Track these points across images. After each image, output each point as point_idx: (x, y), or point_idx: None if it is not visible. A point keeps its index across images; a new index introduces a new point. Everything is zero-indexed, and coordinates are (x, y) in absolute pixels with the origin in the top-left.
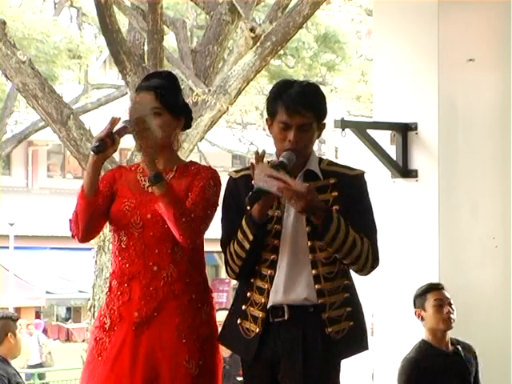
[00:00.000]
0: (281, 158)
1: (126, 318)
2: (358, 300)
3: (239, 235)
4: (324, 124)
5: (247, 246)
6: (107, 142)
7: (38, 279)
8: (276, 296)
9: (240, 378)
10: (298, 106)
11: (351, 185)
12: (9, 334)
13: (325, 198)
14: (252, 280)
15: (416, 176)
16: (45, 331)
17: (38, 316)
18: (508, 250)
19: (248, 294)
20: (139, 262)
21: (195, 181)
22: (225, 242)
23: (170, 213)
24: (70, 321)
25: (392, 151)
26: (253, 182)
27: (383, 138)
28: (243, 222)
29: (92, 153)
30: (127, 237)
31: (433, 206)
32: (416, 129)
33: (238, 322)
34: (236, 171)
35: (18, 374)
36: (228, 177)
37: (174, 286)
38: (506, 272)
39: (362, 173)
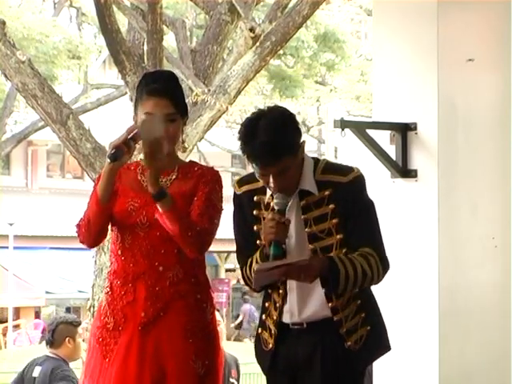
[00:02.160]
0: (276, 207)
1: (131, 318)
2: (372, 302)
3: (254, 266)
4: (303, 142)
5: None
6: (123, 149)
7: (38, 279)
8: (292, 318)
9: (232, 380)
10: (266, 162)
11: (347, 192)
12: (67, 339)
13: (322, 211)
14: (270, 291)
15: (415, 176)
16: (44, 331)
17: (37, 316)
18: (508, 250)
19: (266, 305)
20: (144, 262)
21: (200, 184)
22: (239, 255)
23: (176, 228)
24: None
25: (391, 151)
26: (253, 285)
27: (383, 137)
28: (257, 256)
29: (108, 160)
30: (132, 236)
31: (432, 206)
32: (415, 129)
33: (259, 331)
34: (239, 183)
35: (74, 374)
36: (227, 176)
37: (180, 286)
38: (505, 272)
39: (357, 176)
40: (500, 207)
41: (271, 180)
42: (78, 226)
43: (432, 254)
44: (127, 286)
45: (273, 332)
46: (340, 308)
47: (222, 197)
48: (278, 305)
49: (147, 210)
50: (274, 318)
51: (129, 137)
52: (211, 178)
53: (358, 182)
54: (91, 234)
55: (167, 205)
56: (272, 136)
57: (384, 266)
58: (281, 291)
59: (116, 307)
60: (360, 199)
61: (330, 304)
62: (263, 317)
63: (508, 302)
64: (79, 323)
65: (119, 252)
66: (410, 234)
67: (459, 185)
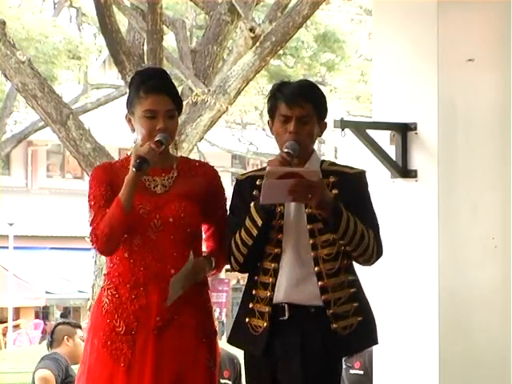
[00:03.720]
0: (285, 150)
1: (145, 322)
2: (364, 295)
3: (247, 222)
4: (325, 123)
5: (255, 232)
6: (147, 159)
7: (38, 279)
8: (278, 294)
9: (224, 381)
10: (298, 97)
11: (351, 183)
12: (65, 337)
13: None
14: (256, 277)
15: (415, 176)
16: (44, 331)
17: (37, 316)
18: (508, 250)
19: (253, 292)
20: (156, 266)
21: (213, 184)
22: (230, 233)
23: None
24: None
25: (391, 151)
26: (260, 201)
27: (383, 138)
28: (252, 209)
29: (134, 169)
30: (142, 240)
31: (432, 206)
32: (415, 129)
33: (247, 320)
34: (242, 174)
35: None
36: (227, 176)
37: (190, 287)
38: (505, 272)
39: (362, 171)
40: (500, 207)
41: (291, 125)
42: (96, 235)
43: (432, 254)
44: (138, 289)
45: (266, 311)
46: (330, 288)
47: None
48: (269, 281)
49: (160, 213)
50: (268, 295)
51: (154, 147)
52: (218, 177)
53: (364, 177)
54: (113, 242)
55: (214, 269)
56: (306, 83)
57: (378, 248)
58: (273, 265)
59: (126, 311)
60: (364, 192)
61: (319, 283)
62: (250, 305)
63: (508, 302)
64: (78, 325)
65: (126, 255)
66: (410, 234)
67: (459, 185)
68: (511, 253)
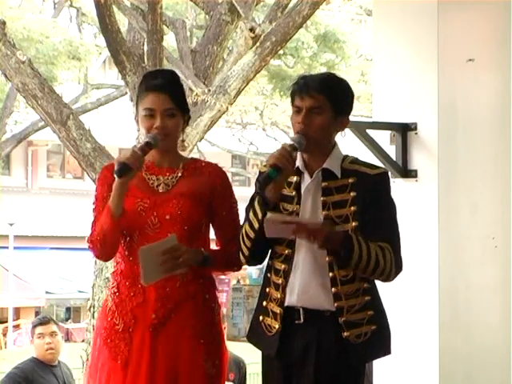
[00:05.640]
0: (290, 142)
1: (142, 320)
2: (380, 303)
3: (250, 215)
4: (347, 120)
5: (256, 225)
6: (129, 165)
7: (38, 279)
8: (291, 297)
9: (228, 383)
10: (309, 87)
11: (371, 184)
12: (31, 340)
13: (343, 197)
14: (269, 275)
15: (416, 176)
16: None
17: (37, 316)
18: (508, 250)
19: (267, 290)
20: None
21: (219, 186)
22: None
23: (223, 272)
24: (69, 321)
25: (392, 151)
26: (266, 235)
27: (383, 138)
28: (255, 203)
29: (115, 176)
30: (141, 237)
31: (432, 206)
32: (416, 129)
33: (260, 318)
34: (265, 165)
35: (55, 374)
36: (228, 176)
37: (189, 286)
38: (505, 272)
39: (384, 172)
40: (500, 207)
41: (301, 116)
42: (92, 241)
43: (432, 254)
44: (136, 287)
45: (278, 312)
46: (343, 295)
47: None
48: (279, 282)
49: (157, 211)
50: (279, 296)
51: (139, 150)
52: (224, 178)
53: (384, 177)
54: (107, 248)
55: (211, 265)
56: (325, 76)
57: (397, 265)
58: (283, 266)
59: (125, 308)
60: (384, 194)
61: (333, 289)
62: (264, 303)
63: (508, 302)
64: (38, 323)
65: (126, 253)
66: (410, 234)
67: (459, 185)
68: (511, 253)
